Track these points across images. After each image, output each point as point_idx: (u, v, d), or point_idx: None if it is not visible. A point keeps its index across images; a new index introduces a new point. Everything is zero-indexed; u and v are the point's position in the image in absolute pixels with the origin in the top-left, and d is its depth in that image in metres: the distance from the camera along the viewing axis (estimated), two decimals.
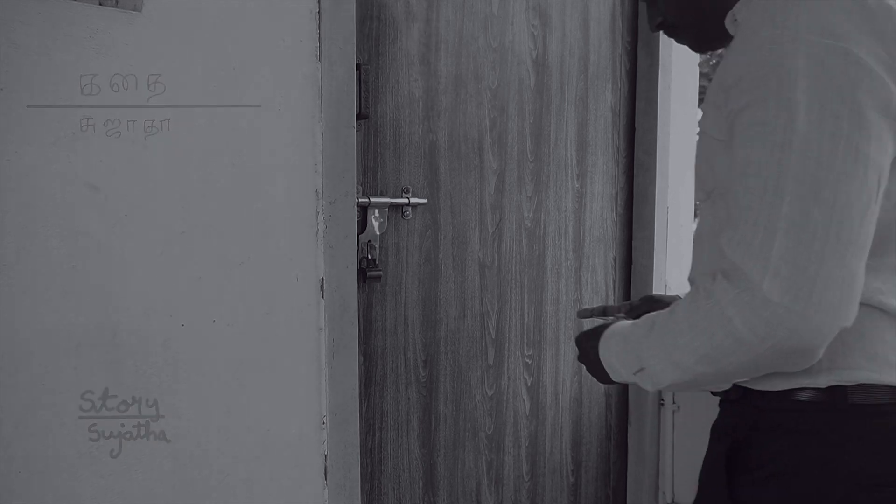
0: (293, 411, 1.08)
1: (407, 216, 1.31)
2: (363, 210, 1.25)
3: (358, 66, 1.15)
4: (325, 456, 1.12)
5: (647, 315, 0.72)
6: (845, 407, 0.67)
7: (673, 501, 1.64)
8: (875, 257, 0.64)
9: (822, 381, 0.67)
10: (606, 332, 0.78)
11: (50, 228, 0.85)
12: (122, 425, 0.93)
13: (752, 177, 0.61)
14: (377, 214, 1.26)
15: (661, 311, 0.70)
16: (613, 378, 0.78)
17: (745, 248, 0.61)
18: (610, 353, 0.77)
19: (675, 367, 0.67)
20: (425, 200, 1.33)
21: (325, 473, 1.12)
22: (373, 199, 1.25)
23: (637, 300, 1.00)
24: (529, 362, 1.50)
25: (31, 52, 0.83)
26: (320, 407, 1.11)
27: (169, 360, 0.96)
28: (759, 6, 0.64)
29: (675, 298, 0.93)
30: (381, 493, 1.32)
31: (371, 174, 1.27)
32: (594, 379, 0.82)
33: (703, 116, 0.76)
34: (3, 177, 0.82)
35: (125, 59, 0.90)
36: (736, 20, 0.71)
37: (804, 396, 0.68)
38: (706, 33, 0.78)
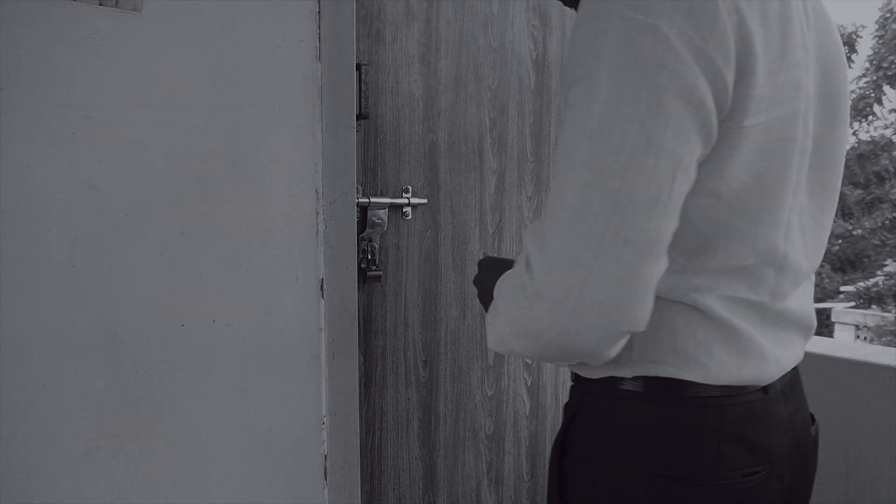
0: (293, 411, 1.08)
1: (407, 216, 1.31)
2: (363, 210, 1.25)
3: (358, 66, 1.15)
4: (325, 456, 1.12)
5: None
6: (652, 398, 0.66)
7: None
8: (694, 257, 0.63)
9: (628, 372, 0.67)
10: (508, 271, 0.74)
11: (50, 228, 0.85)
12: (122, 425, 0.93)
13: (558, 159, 0.57)
14: (377, 214, 1.26)
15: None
16: None
17: (537, 234, 0.58)
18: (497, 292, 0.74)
19: (495, 333, 0.63)
20: (425, 200, 1.33)
21: (325, 473, 1.12)
22: (373, 199, 1.25)
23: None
24: (529, 362, 1.50)
25: (31, 52, 0.83)
26: (320, 407, 1.11)
27: (169, 360, 0.96)
28: None
29: None
30: (381, 493, 1.32)
31: (371, 174, 1.27)
32: None
33: (560, 95, 0.72)
34: (3, 177, 0.82)
35: (125, 59, 0.90)
36: None
37: (616, 385, 0.68)
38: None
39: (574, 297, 0.54)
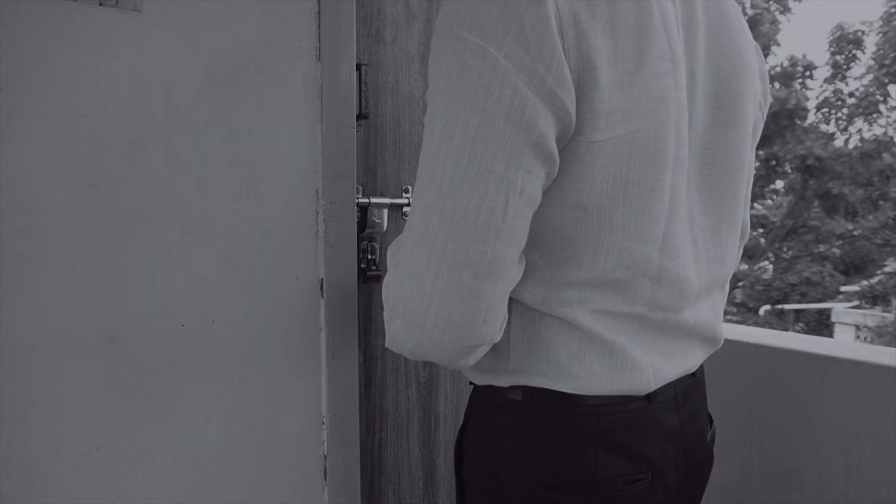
0: (293, 411, 1.08)
1: (407, 216, 1.31)
2: (363, 210, 1.25)
3: (358, 66, 1.15)
4: (325, 456, 1.12)
5: None
6: (530, 407, 0.67)
7: None
8: (563, 268, 0.63)
9: (504, 382, 0.68)
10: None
11: (50, 228, 0.85)
12: (122, 425, 0.93)
13: (417, 176, 0.59)
14: (377, 214, 1.26)
15: None
16: None
17: (394, 250, 0.61)
18: None
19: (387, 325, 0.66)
20: None
21: (325, 473, 1.12)
22: (373, 199, 1.24)
23: None
24: None
25: (31, 52, 0.83)
26: (320, 407, 1.11)
27: (169, 360, 0.96)
28: None
29: None
30: (381, 493, 1.32)
31: (371, 174, 1.27)
32: None
33: None
34: (3, 177, 0.82)
35: (125, 59, 0.89)
36: None
37: (499, 394, 0.70)
38: None
39: (422, 314, 0.58)
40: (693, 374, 0.75)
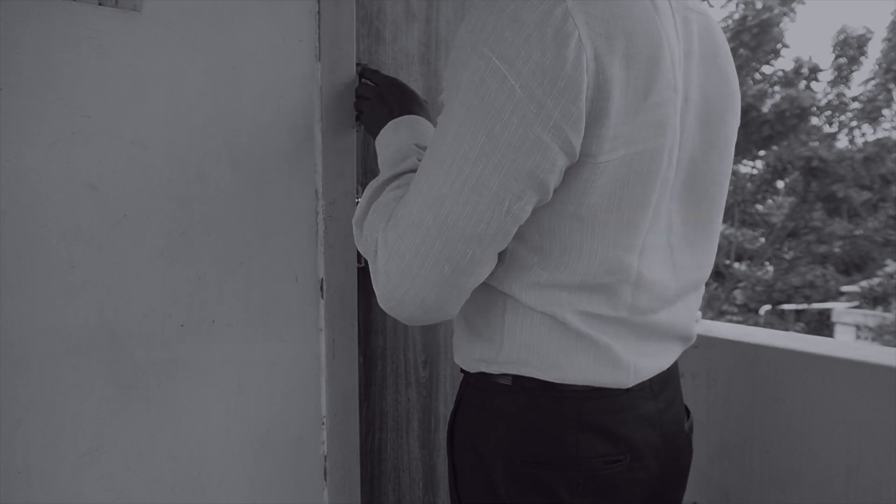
0: (293, 411, 1.08)
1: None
2: None
3: (358, 64, 1.15)
4: (325, 456, 1.12)
5: (408, 175, 0.78)
6: (518, 391, 0.74)
7: None
8: (555, 272, 0.69)
9: (496, 370, 0.75)
10: (403, 120, 0.88)
11: (50, 228, 0.85)
12: (122, 425, 0.93)
13: (420, 169, 0.66)
14: None
15: (405, 182, 0.76)
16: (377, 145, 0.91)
17: (394, 226, 0.67)
18: (387, 140, 0.87)
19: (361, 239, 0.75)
20: None
21: (325, 474, 1.12)
22: None
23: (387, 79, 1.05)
24: None
25: (31, 52, 0.83)
26: (320, 407, 1.11)
27: (169, 360, 0.96)
28: (472, 2, 0.65)
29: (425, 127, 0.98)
30: (381, 493, 1.32)
31: (371, 175, 1.27)
32: None
33: None
34: (3, 177, 0.82)
35: (125, 59, 0.90)
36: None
37: (489, 379, 0.77)
38: None
39: (402, 288, 0.66)
40: (669, 367, 0.83)
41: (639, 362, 0.75)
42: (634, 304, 0.72)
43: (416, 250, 0.64)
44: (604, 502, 0.73)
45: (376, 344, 1.29)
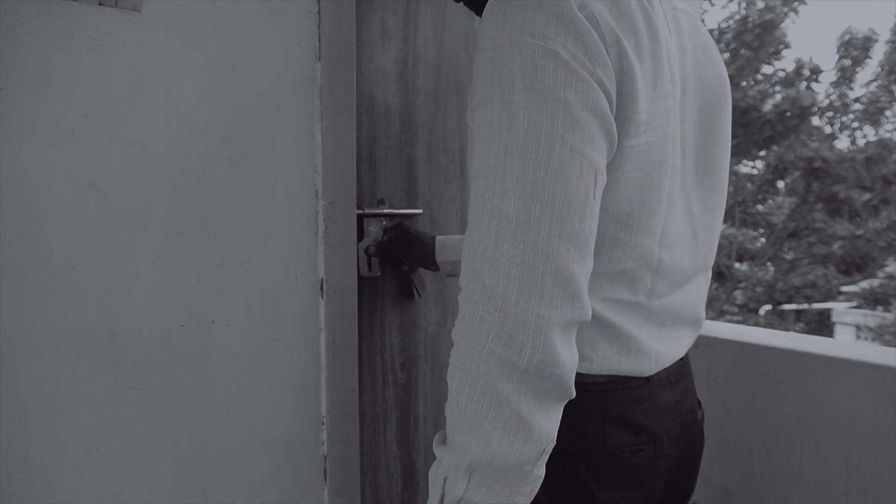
0: (293, 411, 1.08)
1: (385, 225, 1.32)
2: (359, 219, 1.26)
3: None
4: (325, 456, 1.12)
5: None
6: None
7: None
8: None
9: None
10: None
11: (50, 228, 0.85)
12: (122, 425, 0.93)
13: (481, 179, 0.63)
14: (370, 222, 1.29)
15: None
16: None
17: (482, 252, 0.62)
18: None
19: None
20: (421, 210, 1.38)
21: (325, 473, 1.12)
22: (367, 210, 1.27)
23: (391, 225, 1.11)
24: None
25: (31, 52, 0.83)
26: (320, 407, 1.11)
27: (169, 360, 0.96)
28: (491, 5, 0.65)
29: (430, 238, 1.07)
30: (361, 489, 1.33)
31: (372, 174, 1.27)
32: None
33: (467, 110, 0.82)
34: (3, 177, 0.82)
35: (125, 59, 0.90)
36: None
37: None
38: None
39: (536, 296, 0.60)
40: (682, 358, 0.86)
41: (660, 349, 0.78)
42: (653, 290, 0.75)
43: (535, 247, 0.60)
44: (629, 492, 0.75)
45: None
